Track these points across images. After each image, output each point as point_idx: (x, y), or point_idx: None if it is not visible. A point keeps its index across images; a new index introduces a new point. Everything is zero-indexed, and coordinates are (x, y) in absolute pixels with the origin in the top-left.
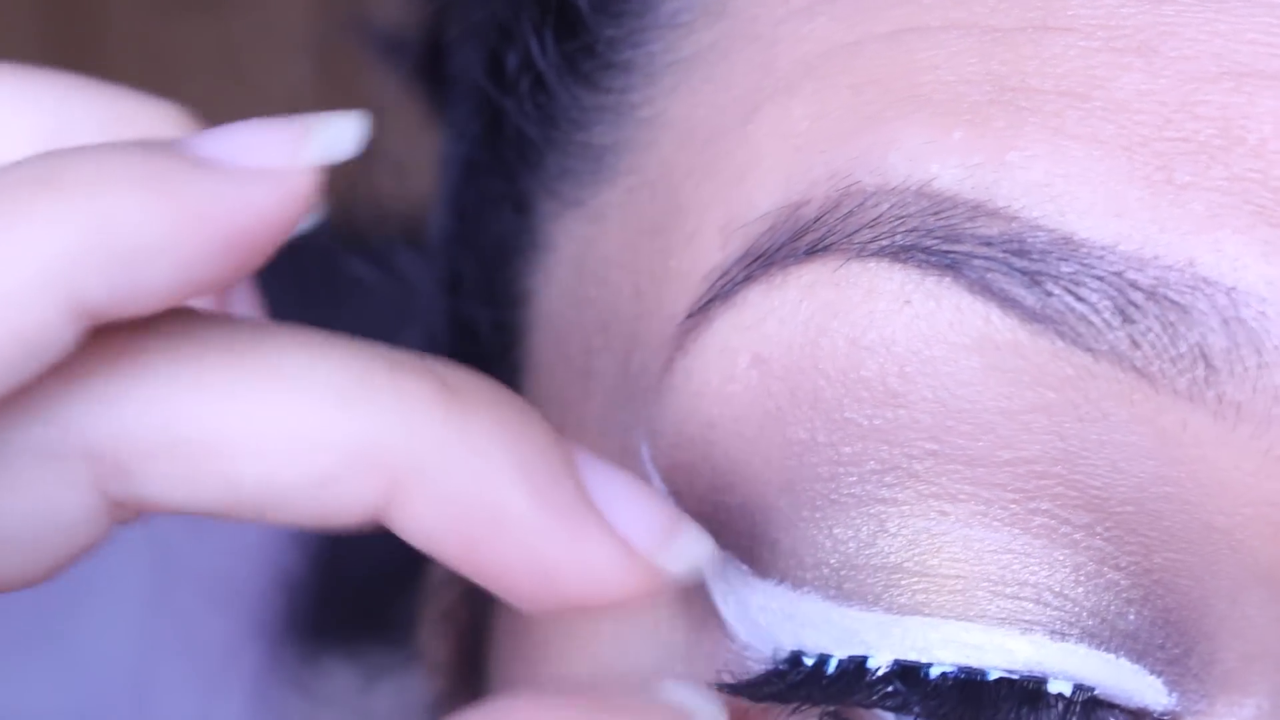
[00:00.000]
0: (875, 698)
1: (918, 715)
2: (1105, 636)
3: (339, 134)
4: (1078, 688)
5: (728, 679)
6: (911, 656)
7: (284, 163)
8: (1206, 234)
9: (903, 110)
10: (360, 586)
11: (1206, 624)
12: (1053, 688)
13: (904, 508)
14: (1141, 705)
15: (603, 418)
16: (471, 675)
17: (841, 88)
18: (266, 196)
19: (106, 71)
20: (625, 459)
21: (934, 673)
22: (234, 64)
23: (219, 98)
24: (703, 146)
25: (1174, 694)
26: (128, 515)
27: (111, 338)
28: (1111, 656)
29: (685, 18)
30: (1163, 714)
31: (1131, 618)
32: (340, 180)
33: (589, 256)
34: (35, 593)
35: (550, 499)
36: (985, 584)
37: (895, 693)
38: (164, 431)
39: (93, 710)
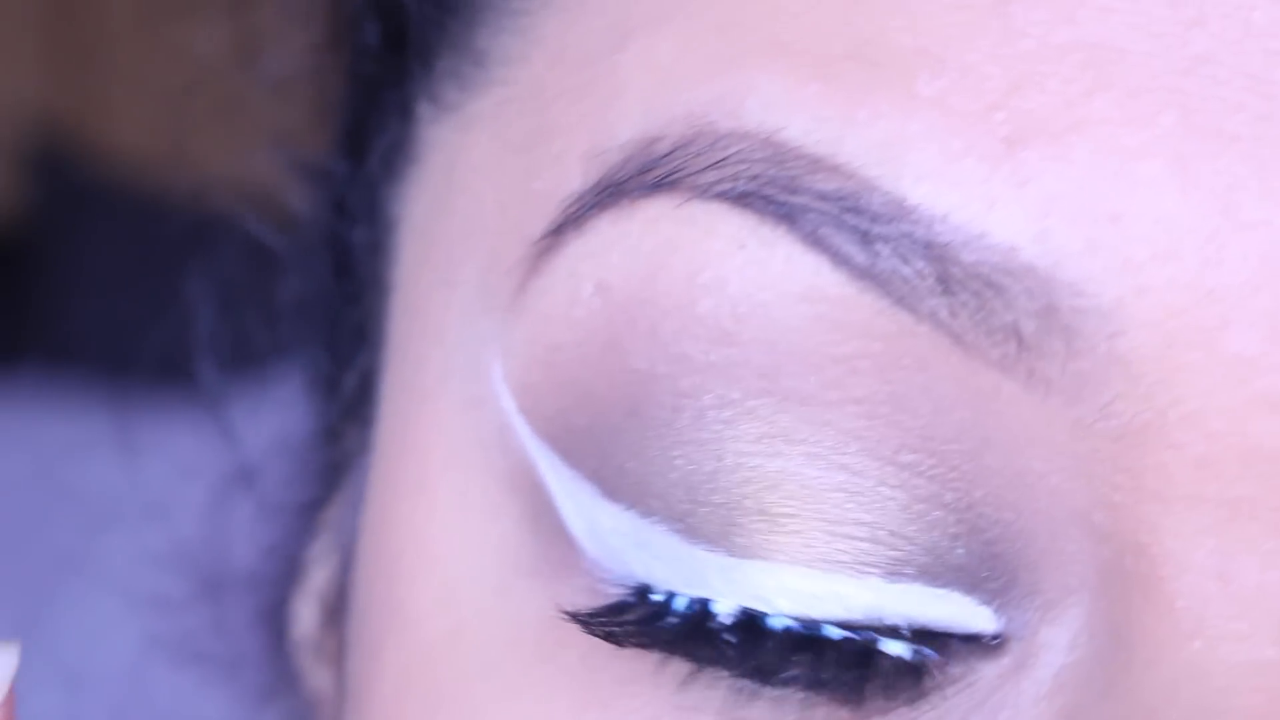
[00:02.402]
0: (716, 646)
1: (754, 671)
2: (938, 572)
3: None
4: (913, 633)
5: (570, 608)
6: (753, 605)
7: None
8: (1035, 221)
9: (763, 58)
10: None
11: (1028, 555)
12: (886, 648)
13: (740, 445)
14: (974, 632)
15: (459, 329)
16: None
17: (708, 26)
18: None
19: (106, 72)
20: (477, 375)
21: (774, 624)
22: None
23: (217, 98)
24: (574, 69)
25: (1001, 618)
26: None
27: None
28: (945, 591)
29: None
30: (993, 637)
31: (960, 552)
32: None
33: (458, 164)
34: (33, 592)
35: None
36: (821, 524)
37: (734, 644)
38: None
39: (92, 710)
